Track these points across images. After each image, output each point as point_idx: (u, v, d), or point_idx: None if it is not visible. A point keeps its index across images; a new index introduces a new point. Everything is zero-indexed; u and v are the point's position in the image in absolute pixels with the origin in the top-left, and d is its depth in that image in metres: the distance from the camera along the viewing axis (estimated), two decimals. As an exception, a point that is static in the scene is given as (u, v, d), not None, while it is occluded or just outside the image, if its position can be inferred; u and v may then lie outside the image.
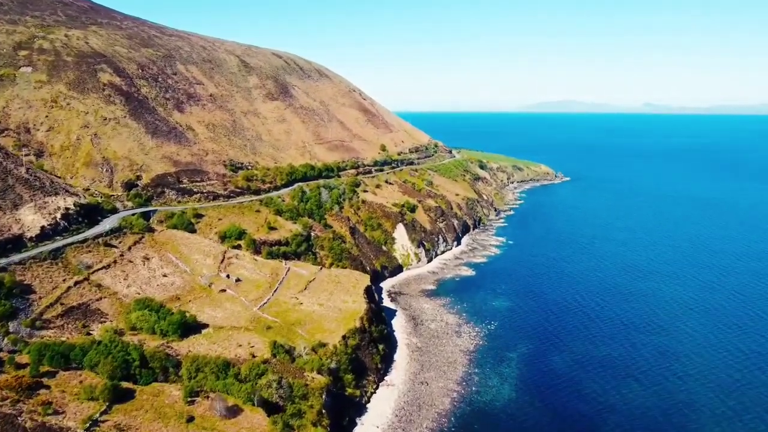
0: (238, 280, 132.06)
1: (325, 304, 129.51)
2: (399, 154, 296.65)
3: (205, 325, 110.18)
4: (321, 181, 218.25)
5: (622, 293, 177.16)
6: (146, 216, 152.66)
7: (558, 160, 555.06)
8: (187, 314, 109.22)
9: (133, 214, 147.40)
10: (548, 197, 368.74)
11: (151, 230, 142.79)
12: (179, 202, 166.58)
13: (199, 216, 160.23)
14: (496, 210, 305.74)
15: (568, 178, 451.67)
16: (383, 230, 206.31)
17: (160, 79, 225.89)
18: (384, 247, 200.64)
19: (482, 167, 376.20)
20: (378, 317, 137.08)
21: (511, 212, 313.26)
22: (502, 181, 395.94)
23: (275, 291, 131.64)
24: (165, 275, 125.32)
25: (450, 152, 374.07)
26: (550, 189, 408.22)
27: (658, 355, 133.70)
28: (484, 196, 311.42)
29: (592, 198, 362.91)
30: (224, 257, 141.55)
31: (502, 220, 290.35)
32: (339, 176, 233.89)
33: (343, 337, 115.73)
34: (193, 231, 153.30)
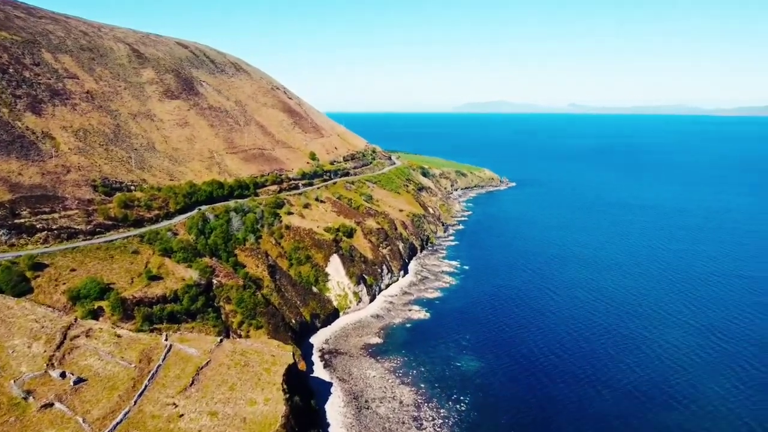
0: (79, 380, 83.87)
1: (221, 411, 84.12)
2: (332, 164, 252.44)
3: (-6, 494, 62.56)
4: (232, 203, 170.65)
5: (613, 341, 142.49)
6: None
7: (497, 162, 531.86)
8: (-45, 480, 61.21)
9: None
10: (497, 207, 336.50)
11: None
12: (12, 245, 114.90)
13: (39, 267, 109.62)
14: (443, 224, 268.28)
15: (513, 184, 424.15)
16: (313, 264, 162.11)
17: (11, 71, 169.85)
18: (314, 288, 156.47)
19: (425, 174, 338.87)
20: (306, 419, 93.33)
21: (460, 226, 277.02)
22: (446, 188, 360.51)
23: (141, 393, 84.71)
24: (-54, 386, 75.63)
25: (389, 158, 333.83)
26: (496, 196, 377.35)
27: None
28: (430, 210, 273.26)
29: (541, 206, 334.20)
30: (65, 337, 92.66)
31: (451, 238, 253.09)
32: (257, 195, 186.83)
33: (246, 481, 71.36)
34: (27, 292, 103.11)
